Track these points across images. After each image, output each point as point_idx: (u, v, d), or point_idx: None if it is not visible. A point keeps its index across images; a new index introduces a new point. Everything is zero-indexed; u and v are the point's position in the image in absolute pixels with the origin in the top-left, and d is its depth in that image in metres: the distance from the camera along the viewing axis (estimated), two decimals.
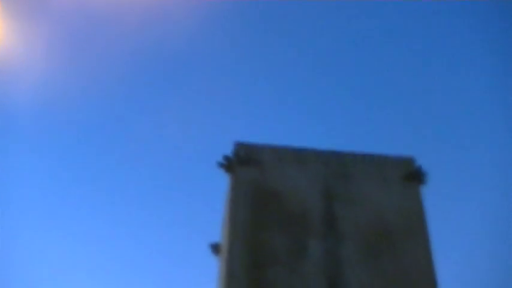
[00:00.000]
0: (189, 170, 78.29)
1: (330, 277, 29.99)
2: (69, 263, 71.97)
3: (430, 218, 33.07)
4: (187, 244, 76.40)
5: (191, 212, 78.35)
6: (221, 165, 34.34)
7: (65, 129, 73.05)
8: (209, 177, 77.88)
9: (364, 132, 78.81)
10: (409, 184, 34.17)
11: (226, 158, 34.12)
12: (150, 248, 74.97)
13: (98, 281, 70.17)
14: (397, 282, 30.31)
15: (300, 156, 34.42)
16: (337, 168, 34.29)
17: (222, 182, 36.86)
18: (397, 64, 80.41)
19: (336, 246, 31.06)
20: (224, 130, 75.49)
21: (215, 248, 39.56)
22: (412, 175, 34.32)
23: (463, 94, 79.98)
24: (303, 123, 79.90)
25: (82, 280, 70.40)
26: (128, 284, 71.89)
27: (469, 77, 78.82)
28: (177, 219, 77.93)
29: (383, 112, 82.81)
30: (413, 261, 31.11)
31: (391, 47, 79.09)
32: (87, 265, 71.27)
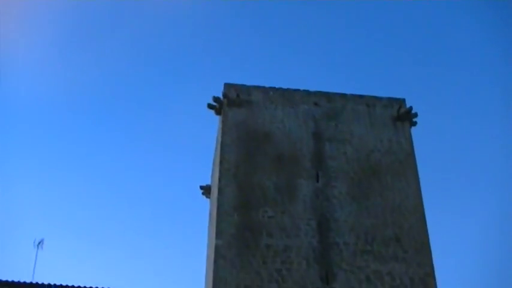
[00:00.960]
0: (179, 112, 78.19)
1: (320, 217, 30.21)
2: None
3: (419, 158, 33.31)
4: (178, 186, 76.97)
5: (181, 154, 78.67)
6: (211, 106, 34.20)
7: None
8: (199, 119, 78.02)
9: (355, 73, 78.68)
10: (399, 124, 34.20)
11: (216, 99, 33.93)
12: (141, 190, 75.56)
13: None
14: (386, 220, 30.59)
15: (290, 96, 34.28)
16: (328, 108, 34.24)
17: (213, 124, 36.90)
18: (388, 5, 79.70)
19: (326, 186, 31.20)
20: (214, 72, 75.22)
21: (206, 190, 39.75)
22: (403, 116, 34.32)
23: (456, 38, 79.70)
24: (292, 64, 79.51)
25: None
26: (124, 224, 72.73)
27: (462, 21, 78.40)
28: (168, 162, 78.35)
29: (374, 53, 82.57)
30: (403, 200, 31.35)
31: None
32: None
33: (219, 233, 29.34)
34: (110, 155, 77.55)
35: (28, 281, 26.96)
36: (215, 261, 28.52)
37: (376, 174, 32.03)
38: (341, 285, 28.58)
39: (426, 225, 30.71)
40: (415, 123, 34.68)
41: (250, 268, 28.33)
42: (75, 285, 26.78)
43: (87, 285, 26.78)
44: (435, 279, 29.35)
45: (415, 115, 34.59)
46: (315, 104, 34.17)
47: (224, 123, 33.01)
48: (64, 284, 26.78)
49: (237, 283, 27.88)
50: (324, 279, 28.60)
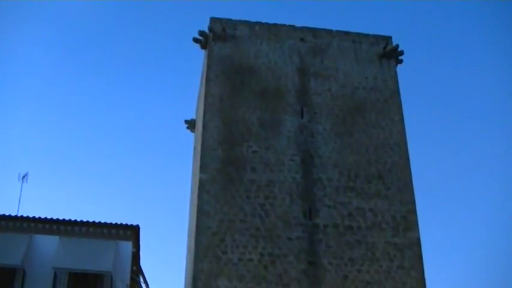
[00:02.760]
0: (165, 46, 77.37)
1: (304, 152, 30.33)
2: None
3: (404, 96, 33.33)
4: (163, 120, 76.79)
5: (166, 88, 78.14)
6: (197, 41, 33.85)
7: None
8: (185, 53, 77.38)
9: (342, 10, 77.81)
10: (385, 62, 34.08)
11: (201, 33, 33.56)
12: (126, 124, 75.31)
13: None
14: (369, 157, 30.80)
15: (275, 31, 33.91)
16: (313, 44, 33.98)
17: (199, 58, 36.59)
18: None
19: (310, 122, 31.22)
20: (200, 6, 74.04)
21: (191, 124, 39.71)
22: (389, 53, 34.15)
23: None
24: None
25: None
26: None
27: None
28: (153, 95, 77.92)
29: None
30: (386, 137, 31.50)
31: None
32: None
33: (203, 168, 29.45)
34: (95, 89, 76.88)
35: (13, 214, 27.08)
36: (199, 195, 28.71)
37: (361, 111, 32.07)
38: (323, 220, 28.94)
39: (409, 163, 30.98)
40: (401, 61, 34.58)
41: (233, 202, 28.57)
42: (60, 218, 26.93)
43: (72, 218, 26.94)
44: (417, 216, 29.77)
45: (401, 53, 34.44)
46: (301, 39, 33.89)
47: (209, 57, 32.74)
48: (49, 217, 26.93)
49: (221, 217, 28.14)
50: (306, 214, 28.94)
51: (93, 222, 26.90)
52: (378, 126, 31.74)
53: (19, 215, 27.03)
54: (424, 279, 28.54)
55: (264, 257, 27.74)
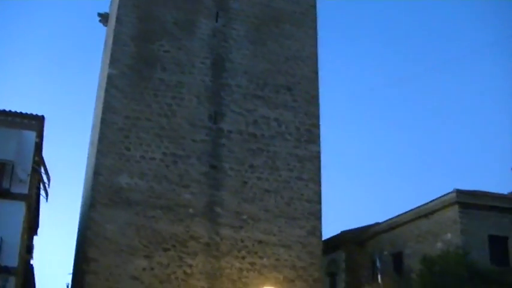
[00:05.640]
0: None
1: (216, 56, 30.16)
2: None
3: (321, 10, 33.40)
4: (75, 11, 74.55)
5: None
6: None
7: None
8: None
9: None
10: None
11: None
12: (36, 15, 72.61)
13: None
14: (280, 67, 30.95)
15: None
16: None
17: None
18: None
19: (225, 27, 30.90)
20: None
21: (104, 18, 38.64)
22: None
23: None
24: None
25: None
26: None
27: None
28: None
29: None
30: (299, 50, 31.62)
31: None
32: None
33: (113, 62, 28.96)
34: None
35: None
36: (107, 90, 28.37)
37: (277, 21, 31.95)
38: (228, 125, 29.23)
39: (318, 77, 31.35)
40: None
41: (141, 100, 28.38)
42: None
43: None
44: (320, 130, 30.46)
45: None
46: None
47: None
48: None
49: (127, 114, 27.96)
50: (212, 118, 29.13)
51: None
52: (291, 38, 31.81)
53: None
54: (320, 191, 29.55)
55: (166, 156, 27.97)
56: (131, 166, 27.35)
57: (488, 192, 31.37)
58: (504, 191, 32.94)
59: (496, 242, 29.71)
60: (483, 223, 29.58)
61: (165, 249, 26.78)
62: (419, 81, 77.99)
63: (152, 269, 26.38)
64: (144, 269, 26.27)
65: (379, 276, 31.49)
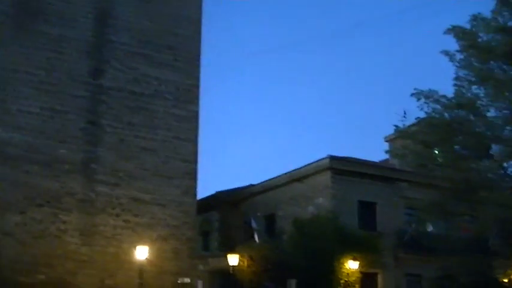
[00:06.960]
0: None
1: (100, 11, 29.48)
2: None
3: None
4: None
5: None
6: None
7: None
8: None
9: None
10: None
11: None
12: None
13: None
14: (164, 26, 30.75)
15: None
16: None
17: None
18: None
19: None
20: None
21: None
22: None
23: None
24: None
25: None
26: None
27: None
28: None
29: None
30: (183, 8, 31.34)
31: None
32: None
33: None
34: None
35: None
36: None
37: None
38: (108, 82, 29.01)
39: (201, 38, 31.46)
40: None
41: (20, 52, 27.42)
42: None
43: None
44: (199, 91, 30.88)
45: None
46: None
47: None
48: None
49: (5, 65, 27.01)
50: (92, 73, 28.76)
51: None
52: None
53: None
54: (196, 151, 30.19)
55: (44, 110, 27.44)
56: (7, 120, 26.65)
57: (360, 160, 33.29)
58: (377, 159, 34.95)
59: (365, 208, 31.74)
60: (354, 189, 31.46)
61: (40, 205, 26.58)
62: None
63: (25, 224, 26.19)
64: (16, 224, 26.04)
65: (256, 236, 32.84)
